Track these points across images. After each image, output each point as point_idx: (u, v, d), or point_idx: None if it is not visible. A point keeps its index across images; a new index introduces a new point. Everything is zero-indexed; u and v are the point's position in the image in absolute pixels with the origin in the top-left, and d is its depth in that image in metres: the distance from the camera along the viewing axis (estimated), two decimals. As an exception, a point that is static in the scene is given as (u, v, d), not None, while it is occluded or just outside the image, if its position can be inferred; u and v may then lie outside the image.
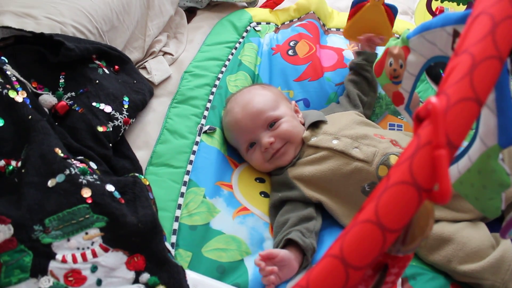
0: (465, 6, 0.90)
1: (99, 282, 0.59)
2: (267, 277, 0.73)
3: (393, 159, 0.82)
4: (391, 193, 0.33)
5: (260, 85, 1.06)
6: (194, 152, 0.90)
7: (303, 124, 0.98)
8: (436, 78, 1.08)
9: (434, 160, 0.32)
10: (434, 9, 0.95)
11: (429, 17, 1.00)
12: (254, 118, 0.92)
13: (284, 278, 0.75)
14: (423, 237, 0.38)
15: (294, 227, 0.81)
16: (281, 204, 0.88)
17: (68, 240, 0.59)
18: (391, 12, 0.94)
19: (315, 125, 0.94)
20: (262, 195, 0.92)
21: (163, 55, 1.15)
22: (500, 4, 0.35)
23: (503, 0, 0.35)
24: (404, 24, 1.33)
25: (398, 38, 0.61)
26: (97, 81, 0.86)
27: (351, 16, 1.00)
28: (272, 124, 0.92)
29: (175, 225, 0.78)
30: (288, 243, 0.78)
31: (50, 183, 0.62)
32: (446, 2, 0.91)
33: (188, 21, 1.30)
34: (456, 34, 0.47)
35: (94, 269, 0.59)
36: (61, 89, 0.83)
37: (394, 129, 1.08)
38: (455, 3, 0.90)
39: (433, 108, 0.33)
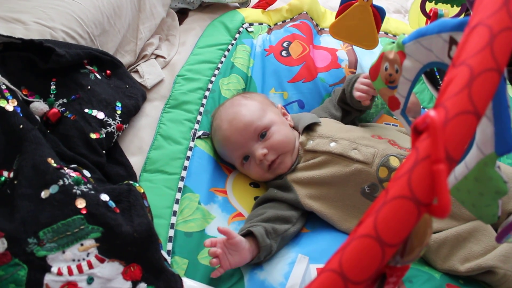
0: (459, 8, 0.90)
1: (95, 293, 0.58)
2: (212, 258, 0.72)
3: (393, 160, 0.82)
4: (389, 207, 0.33)
5: (241, 95, 1.02)
6: (188, 158, 0.90)
7: (294, 127, 0.97)
8: (432, 81, 1.08)
9: (433, 174, 0.32)
10: (428, 11, 0.94)
11: (423, 18, 1.00)
12: (242, 132, 0.89)
13: (234, 264, 0.74)
14: (421, 247, 0.38)
15: (264, 222, 0.80)
16: (266, 202, 0.88)
17: (63, 252, 0.58)
18: (379, 14, 0.93)
19: (309, 128, 0.93)
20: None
21: (155, 58, 1.13)
22: (498, 15, 0.34)
23: (500, 11, 0.34)
24: (397, 23, 1.34)
25: (393, 42, 0.60)
26: (89, 87, 0.85)
27: (338, 14, 1.00)
28: (263, 134, 0.90)
29: (171, 232, 0.77)
30: (249, 234, 0.77)
31: (44, 194, 0.61)
32: (440, 3, 0.91)
33: (180, 22, 1.29)
34: (452, 41, 0.46)
35: (90, 280, 0.58)
36: (52, 96, 0.81)
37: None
38: (449, 5, 0.90)
39: (431, 122, 0.33)
